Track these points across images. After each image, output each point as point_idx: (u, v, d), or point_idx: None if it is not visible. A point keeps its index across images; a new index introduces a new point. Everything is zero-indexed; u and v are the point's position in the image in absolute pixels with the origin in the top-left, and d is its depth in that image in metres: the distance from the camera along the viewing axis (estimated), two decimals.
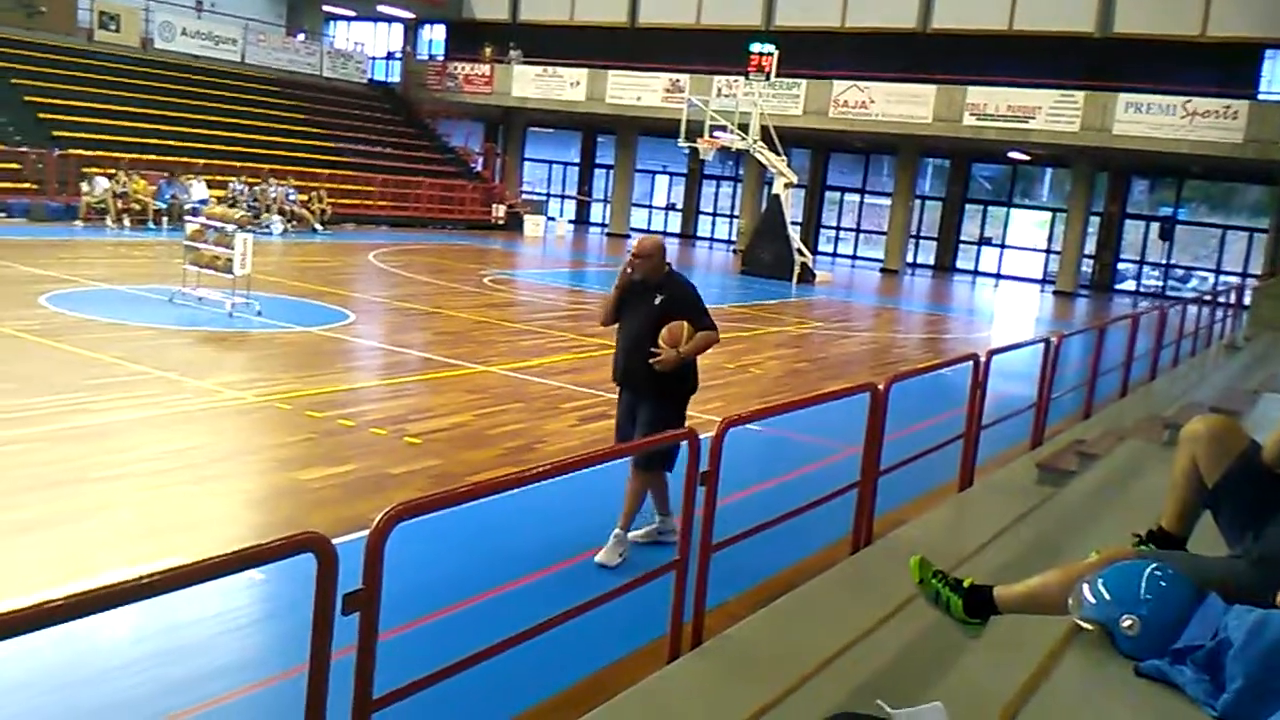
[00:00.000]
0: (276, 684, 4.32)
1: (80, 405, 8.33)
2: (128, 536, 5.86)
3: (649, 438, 5.65)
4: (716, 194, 38.53)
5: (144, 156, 24.48)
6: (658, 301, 6.16)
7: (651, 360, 5.98)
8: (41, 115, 24.43)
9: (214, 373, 10.02)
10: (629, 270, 6.24)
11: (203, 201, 21.92)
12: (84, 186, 22.23)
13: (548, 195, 39.73)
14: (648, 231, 38.22)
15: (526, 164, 40.07)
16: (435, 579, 5.48)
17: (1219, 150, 25.18)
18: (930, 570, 3.86)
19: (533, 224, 33.32)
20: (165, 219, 22.74)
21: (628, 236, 35.96)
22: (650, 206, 39.23)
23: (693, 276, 26.43)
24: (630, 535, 6.17)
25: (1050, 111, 27.01)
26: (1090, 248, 31.66)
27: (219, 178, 25.33)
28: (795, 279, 25.29)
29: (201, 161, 25.69)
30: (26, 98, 24.69)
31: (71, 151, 23.43)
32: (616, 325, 6.43)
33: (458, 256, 24.42)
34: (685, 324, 6.06)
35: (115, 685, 4.31)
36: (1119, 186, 31.95)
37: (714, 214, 38.46)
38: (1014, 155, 31.44)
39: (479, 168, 36.38)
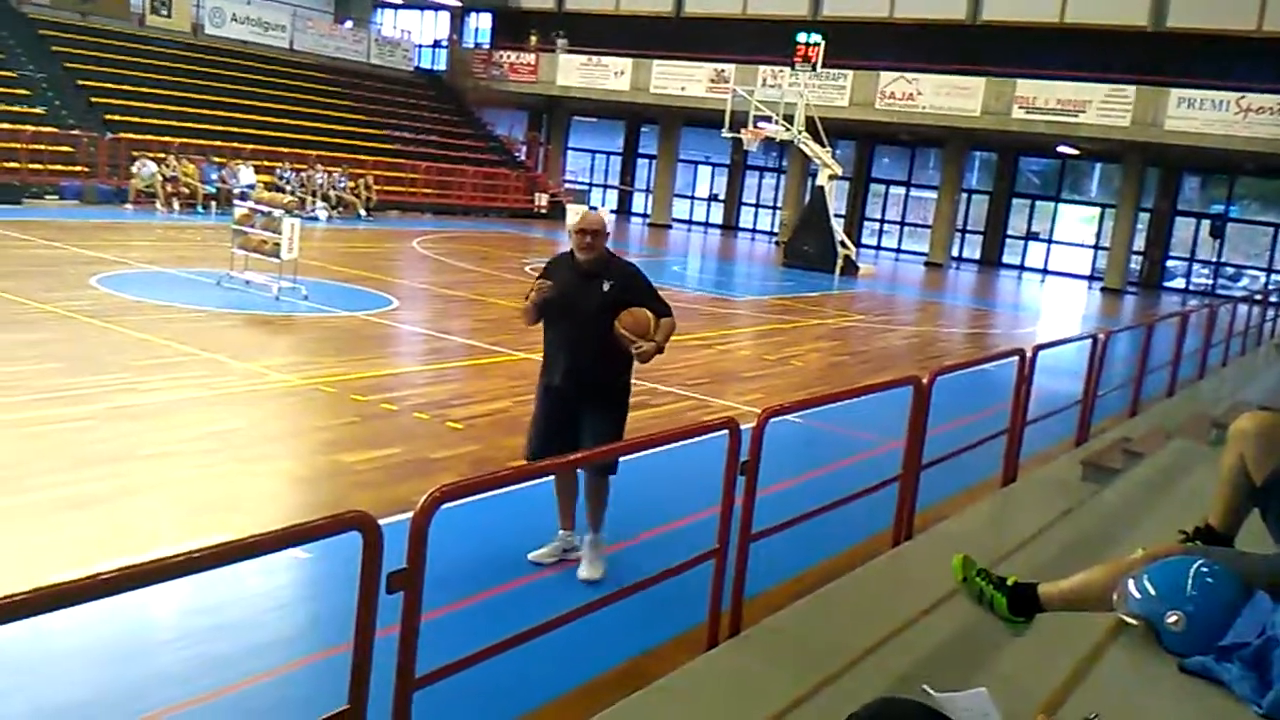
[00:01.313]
0: (318, 661, 4.38)
1: (129, 385, 8.47)
2: (175, 514, 5.96)
3: (605, 445, 5.09)
4: (759, 185, 38.39)
5: (194, 141, 24.79)
6: (606, 288, 5.40)
7: (635, 354, 5.35)
8: (94, 99, 24.79)
9: (260, 355, 10.14)
10: (579, 254, 5.45)
11: (250, 186, 22.16)
12: (133, 170, 22.56)
13: (590, 185, 39.77)
14: (689, 223, 38.26)
15: (570, 153, 40.15)
16: (474, 563, 5.51)
17: (1273, 147, 24.73)
18: (974, 568, 3.83)
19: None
20: (214, 203, 23.02)
21: (669, 227, 35.92)
22: (692, 197, 39.17)
23: (734, 268, 26.28)
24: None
25: (1101, 106, 26.67)
26: (1139, 244, 31.25)
27: (266, 163, 25.59)
28: (838, 271, 25.14)
29: (250, 147, 25.98)
30: (79, 82, 25.07)
31: (123, 135, 23.77)
32: (542, 324, 5.63)
33: (500, 244, 24.52)
34: (648, 311, 5.40)
35: (163, 659, 4.38)
36: (1170, 183, 31.49)
37: (756, 205, 38.33)
38: (1063, 150, 31.05)
39: (522, 156, 36.49)
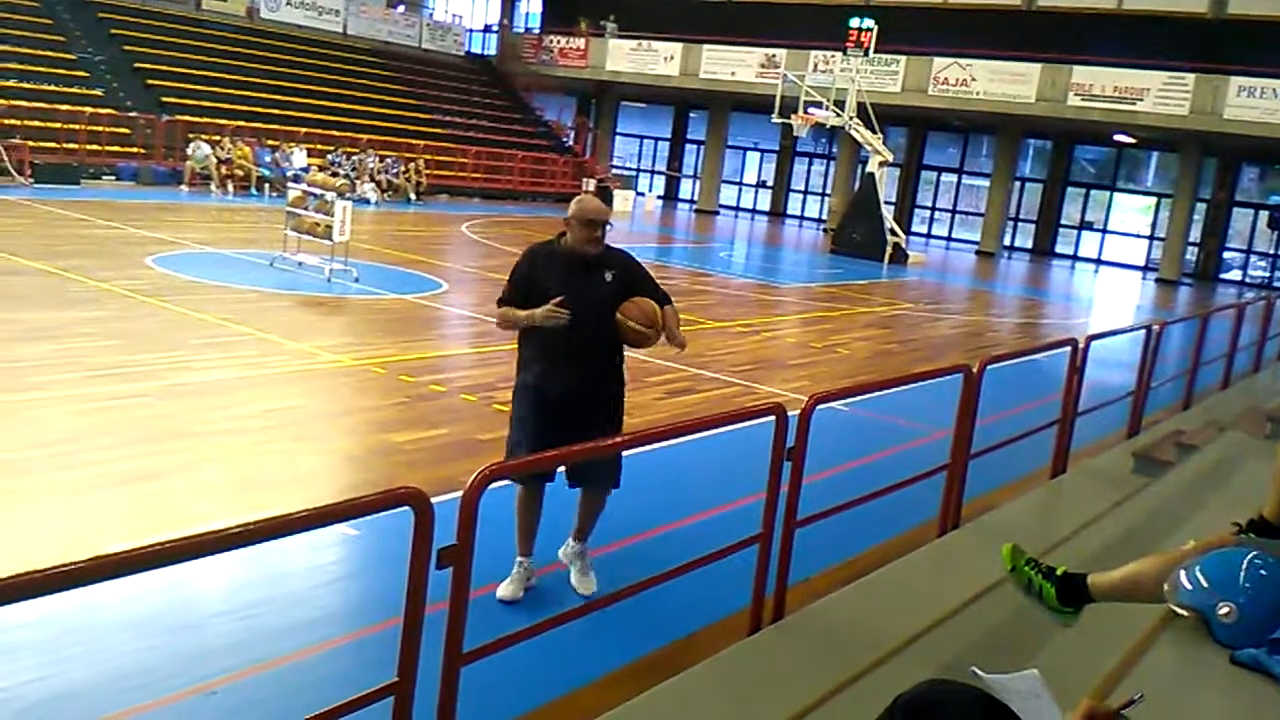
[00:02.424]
0: (366, 636, 4.45)
1: (185, 363, 8.61)
2: (229, 490, 6.06)
3: (610, 459, 4.90)
4: (808, 171, 38.15)
5: (248, 124, 25.07)
6: (608, 279, 4.80)
7: (648, 343, 4.83)
8: (150, 82, 25.16)
9: (312, 336, 10.27)
10: (587, 247, 4.80)
11: (303, 169, 22.39)
12: (188, 152, 22.87)
13: (638, 170, 39.73)
14: (736, 209, 38.11)
15: (618, 138, 40.13)
16: (513, 546, 5.55)
17: None
18: (1023, 558, 3.80)
19: (622, 199, 33.34)
20: (267, 186, 23.29)
21: (716, 213, 35.79)
22: (740, 183, 39.01)
23: (782, 254, 26.01)
24: (504, 594, 4.86)
25: (1159, 94, 26.18)
26: (1195, 235, 30.70)
27: (319, 146, 25.84)
28: (887, 259, 24.95)
29: (302, 130, 26.24)
30: (137, 64, 25.45)
31: (178, 118, 24.10)
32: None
33: (548, 229, 24.39)
34: (651, 301, 4.86)
35: (217, 630, 4.47)
36: (1227, 173, 30.89)
37: (805, 192, 38.10)
38: (1119, 138, 30.54)
39: (570, 141, 36.53)
